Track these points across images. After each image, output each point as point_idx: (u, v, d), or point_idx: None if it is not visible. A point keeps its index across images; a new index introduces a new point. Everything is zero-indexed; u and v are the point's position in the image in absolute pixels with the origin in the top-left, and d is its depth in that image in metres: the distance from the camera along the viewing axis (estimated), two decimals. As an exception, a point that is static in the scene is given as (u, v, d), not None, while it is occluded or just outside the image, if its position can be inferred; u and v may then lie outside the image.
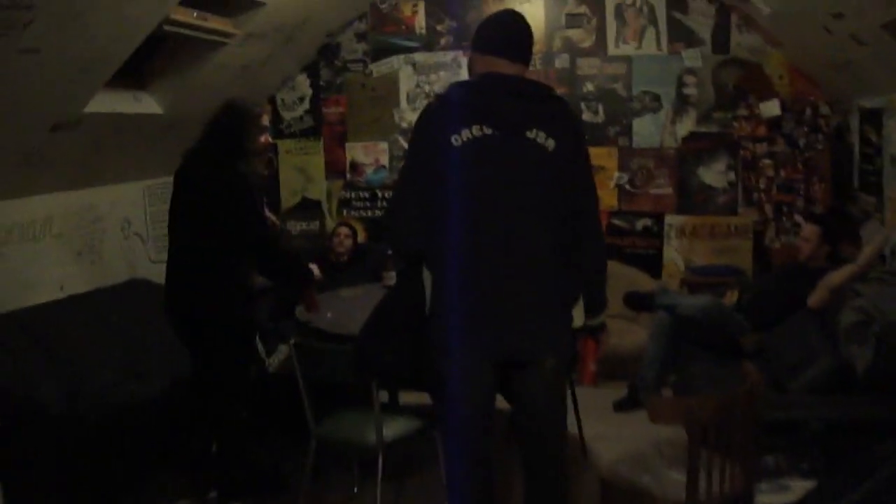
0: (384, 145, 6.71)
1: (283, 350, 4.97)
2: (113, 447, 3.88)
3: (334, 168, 6.89)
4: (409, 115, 6.54)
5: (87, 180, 5.10)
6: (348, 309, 4.42)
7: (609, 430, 4.63)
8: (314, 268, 4.66)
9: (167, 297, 3.86)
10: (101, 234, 5.28)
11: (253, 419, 4.18)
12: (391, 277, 4.76)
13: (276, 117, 6.90)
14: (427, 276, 2.74)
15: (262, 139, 4.04)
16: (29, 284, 4.60)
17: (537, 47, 5.59)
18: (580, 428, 4.41)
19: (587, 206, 2.75)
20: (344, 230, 6.08)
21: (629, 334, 5.44)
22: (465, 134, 2.59)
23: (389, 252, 4.77)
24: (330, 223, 6.81)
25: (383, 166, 6.72)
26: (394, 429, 3.55)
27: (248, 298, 3.89)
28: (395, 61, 6.60)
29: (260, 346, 4.79)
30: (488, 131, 2.59)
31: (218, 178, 3.71)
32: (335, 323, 4.15)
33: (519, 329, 2.64)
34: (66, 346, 4.30)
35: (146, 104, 5.26)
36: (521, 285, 2.61)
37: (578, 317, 2.86)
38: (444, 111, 2.68)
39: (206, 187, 3.73)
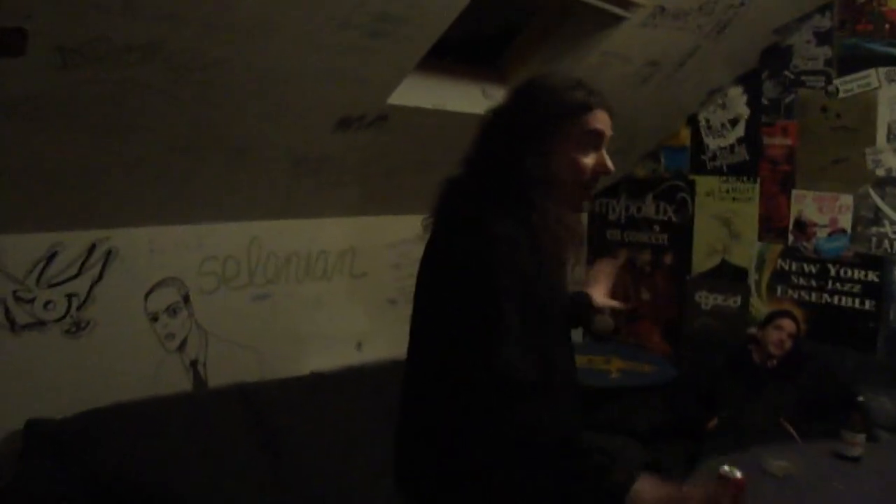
0: (848, 199, 4.50)
1: None
2: None
3: (772, 225, 4.85)
4: (889, 159, 4.32)
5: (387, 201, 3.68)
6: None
7: None
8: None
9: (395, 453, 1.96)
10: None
11: None
12: (855, 441, 3.16)
13: (697, 144, 5.08)
14: None
15: (593, 155, 1.88)
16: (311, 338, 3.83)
17: None
18: None
19: None
20: (788, 324, 4.22)
21: None
22: None
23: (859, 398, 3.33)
24: (757, 303, 4.89)
25: (843, 230, 4.51)
26: None
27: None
28: (874, 76, 4.34)
29: None
30: None
31: (467, 236, 1.76)
32: None
33: None
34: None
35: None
36: None
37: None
38: None
39: (447, 255, 1.82)
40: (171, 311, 3.33)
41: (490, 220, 1.70)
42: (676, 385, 4.61)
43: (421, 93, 3.38)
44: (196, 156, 2.94)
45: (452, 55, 3.53)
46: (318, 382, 3.61)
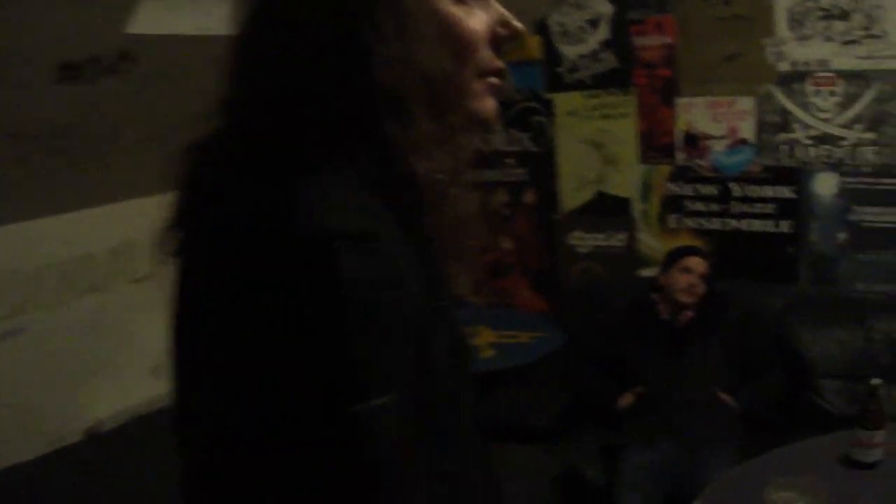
0: (747, 103, 3.74)
1: None
2: None
3: (655, 143, 4.02)
4: (794, 50, 3.58)
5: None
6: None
7: None
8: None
9: None
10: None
11: None
12: (872, 442, 2.43)
13: (551, 55, 4.17)
14: None
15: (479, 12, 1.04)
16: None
17: None
18: None
19: None
20: (698, 264, 3.51)
21: None
22: None
23: (874, 382, 2.46)
24: (647, 238, 4.09)
25: (745, 141, 3.75)
26: None
27: None
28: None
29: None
30: None
31: (267, 244, 0.91)
32: None
33: None
34: None
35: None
36: None
37: None
38: None
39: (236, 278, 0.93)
40: None
41: (311, 203, 0.88)
42: (568, 355, 3.77)
43: (174, 14, 2.41)
44: None
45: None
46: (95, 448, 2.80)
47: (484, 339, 3.94)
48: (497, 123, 1.09)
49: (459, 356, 1.09)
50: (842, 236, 3.63)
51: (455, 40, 0.98)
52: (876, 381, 2.41)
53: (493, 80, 1.03)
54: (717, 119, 3.80)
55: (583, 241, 4.28)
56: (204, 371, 0.98)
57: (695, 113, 3.84)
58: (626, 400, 3.34)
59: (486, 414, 3.10)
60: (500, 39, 1.02)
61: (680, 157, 3.93)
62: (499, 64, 1.02)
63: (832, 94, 3.53)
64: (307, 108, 0.93)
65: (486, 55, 1.01)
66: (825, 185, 3.62)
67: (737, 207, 3.83)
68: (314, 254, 0.83)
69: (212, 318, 0.94)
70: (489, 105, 1.03)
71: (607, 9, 3.95)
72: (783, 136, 3.66)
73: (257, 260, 0.87)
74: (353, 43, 0.91)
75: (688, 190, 3.94)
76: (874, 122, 3.48)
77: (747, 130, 3.74)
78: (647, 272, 4.01)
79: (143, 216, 2.70)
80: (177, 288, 1.02)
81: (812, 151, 3.61)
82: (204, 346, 0.97)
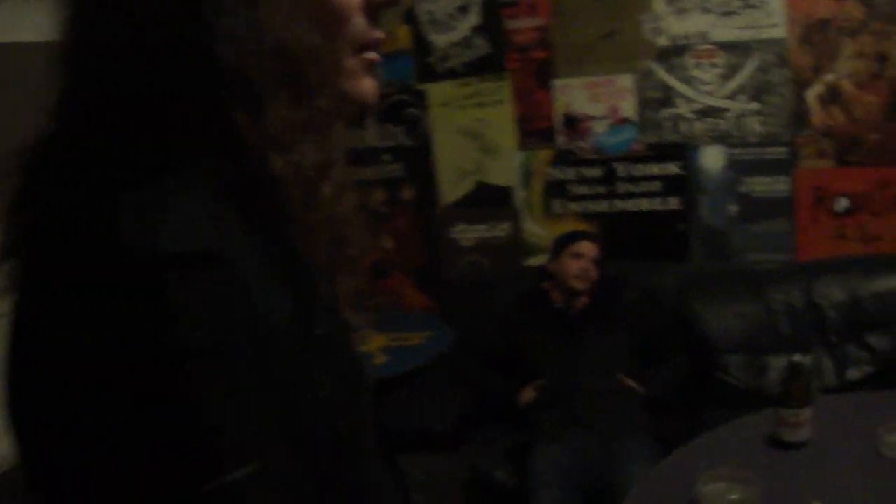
0: (627, 80, 3.66)
1: None
2: None
3: (534, 128, 3.89)
4: (672, 24, 3.54)
5: None
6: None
7: None
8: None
9: None
10: None
11: None
12: (799, 420, 2.30)
13: (421, 44, 4.00)
14: None
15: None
16: None
17: None
18: None
19: None
20: (588, 248, 3.38)
21: None
22: None
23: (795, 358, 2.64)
24: (532, 226, 3.97)
25: (626, 119, 3.68)
26: None
27: None
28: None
29: None
30: None
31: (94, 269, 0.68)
32: None
33: None
34: None
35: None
36: None
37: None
38: None
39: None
40: None
41: (138, 217, 0.67)
42: (459, 354, 3.60)
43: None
44: None
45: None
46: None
47: (374, 345, 3.71)
48: (376, 107, 0.91)
49: (353, 384, 0.88)
50: (732, 209, 3.60)
51: (320, 7, 0.78)
52: (798, 357, 2.33)
53: (371, 55, 0.84)
54: (597, 99, 3.71)
55: (466, 234, 4.13)
56: (39, 433, 0.77)
57: (573, 94, 3.75)
58: (528, 395, 3.19)
59: (384, 425, 2.93)
60: (376, 5, 0.83)
61: (560, 140, 3.83)
62: (376, 35, 0.84)
63: (713, 66, 3.49)
64: (139, 102, 0.73)
65: (360, 25, 0.82)
66: (712, 159, 3.59)
67: (623, 188, 3.76)
68: (139, 286, 0.64)
69: (36, 369, 0.74)
70: (367, 85, 0.85)
71: (476, -7, 3.82)
72: (666, 111, 3.61)
73: (76, 297, 0.68)
74: (189, 18, 0.72)
75: (571, 174, 3.84)
76: (757, 91, 3.47)
77: (628, 109, 3.67)
78: (534, 261, 3.90)
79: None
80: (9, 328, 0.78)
81: (696, 125, 3.57)
82: (34, 405, 0.76)
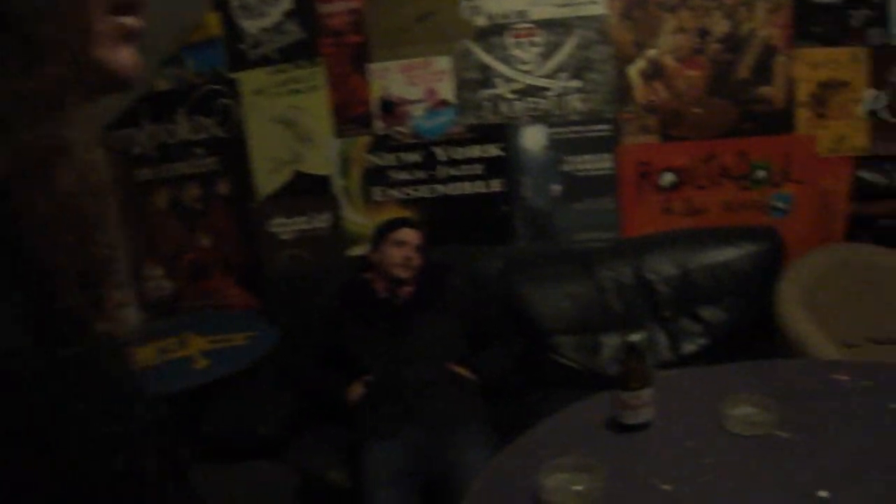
0: (444, 62, 3.61)
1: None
2: None
3: (350, 114, 3.79)
4: (489, 3, 3.50)
5: None
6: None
7: None
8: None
9: None
10: None
11: None
12: (638, 401, 2.21)
13: (232, 31, 3.82)
14: None
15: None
16: None
17: None
18: None
19: None
20: (411, 235, 3.27)
21: None
22: None
23: (632, 339, 2.79)
24: (353, 215, 3.85)
25: (445, 102, 3.62)
26: None
27: None
28: None
29: None
30: None
31: None
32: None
33: None
34: None
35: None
36: None
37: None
38: None
39: None
40: None
41: None
42: (284, 352, 3.44)
43: None
44: None
45: None
46: None
47: (195, 348, 3.49)
48: (138, 81, 0.73)
49: (122, 407, 0.74)
50: (555, 188, 3.60)
51: None
52: (634, 337, 2.24)
53: (128, 19, 0.69)
54: (414, 82, 3.64)
55: (285, 226, 3.97)
56: None
57: (389, 78, 3.67)
58: (356, 391, 3.04)
59: (207, 432, 2.71)
60: None
61: (378, 126, 3.74)
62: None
63: (533, 44, 3.49)
64: None
65: None
66: (534, 139, 3.58)
67: (444, 172, 3.70)
68: None
69: None
70: (124, 55, 0.69)
71: (287, -23, 3.68)
72: (485, 92, 3.58)
73: None
74: None
75: (390, 159, 3.76)
76: (578, 69, 3.48)
77: (446, 91, 3.61)
78: (356, 251, 3.80)
79: None
80: None
81: (517, 105, 3.55)
82: None
